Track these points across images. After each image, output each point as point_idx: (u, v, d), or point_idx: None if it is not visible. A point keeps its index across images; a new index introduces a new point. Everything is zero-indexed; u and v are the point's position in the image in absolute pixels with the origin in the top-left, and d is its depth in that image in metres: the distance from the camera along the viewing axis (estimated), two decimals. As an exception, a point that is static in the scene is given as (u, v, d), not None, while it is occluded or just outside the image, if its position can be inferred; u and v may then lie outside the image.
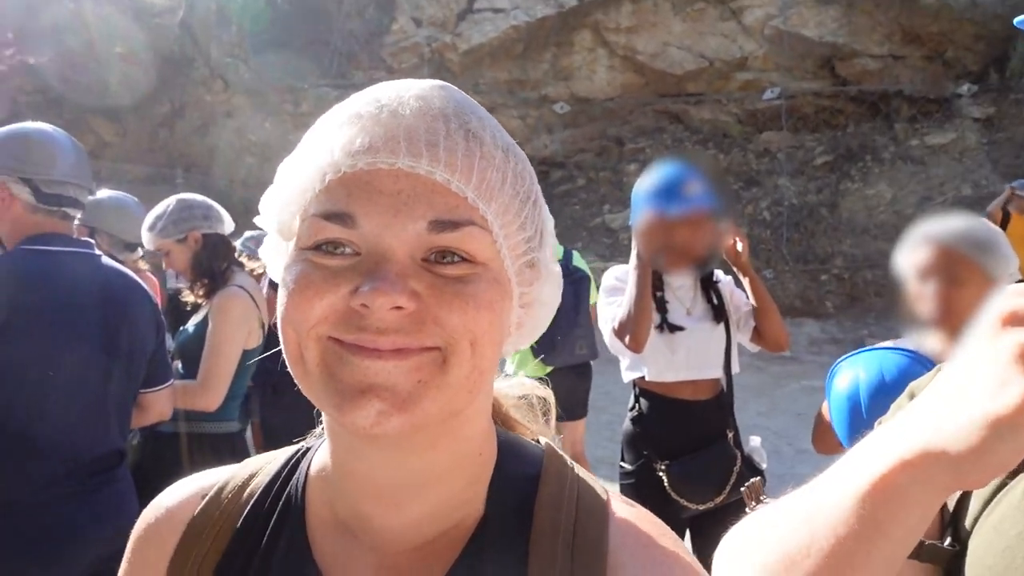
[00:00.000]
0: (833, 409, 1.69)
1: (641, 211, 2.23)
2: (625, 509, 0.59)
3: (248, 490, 0.62)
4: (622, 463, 2.40)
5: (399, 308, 0.48)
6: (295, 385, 0.54)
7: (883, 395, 1.60)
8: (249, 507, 0.61)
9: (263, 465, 0.65)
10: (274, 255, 0.59)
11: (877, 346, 1.70)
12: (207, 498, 0.63)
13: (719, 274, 2.46)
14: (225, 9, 11.63)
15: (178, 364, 2.40)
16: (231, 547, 0.59)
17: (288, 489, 0.62)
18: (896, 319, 1.90)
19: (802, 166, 10.41)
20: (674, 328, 2.29)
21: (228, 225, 2.49)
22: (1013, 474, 0.62)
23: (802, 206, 9.98)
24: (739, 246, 2.30)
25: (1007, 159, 9.54)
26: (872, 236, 9.44)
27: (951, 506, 0.69)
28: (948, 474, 0.45)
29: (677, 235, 2.18)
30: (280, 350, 0.53)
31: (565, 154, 11.01)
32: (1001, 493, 0.63)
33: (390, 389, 0.49)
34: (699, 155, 10.15)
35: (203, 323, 2.36)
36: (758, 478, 1.16)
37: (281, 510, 0.61)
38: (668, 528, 0.59)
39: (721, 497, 2.23)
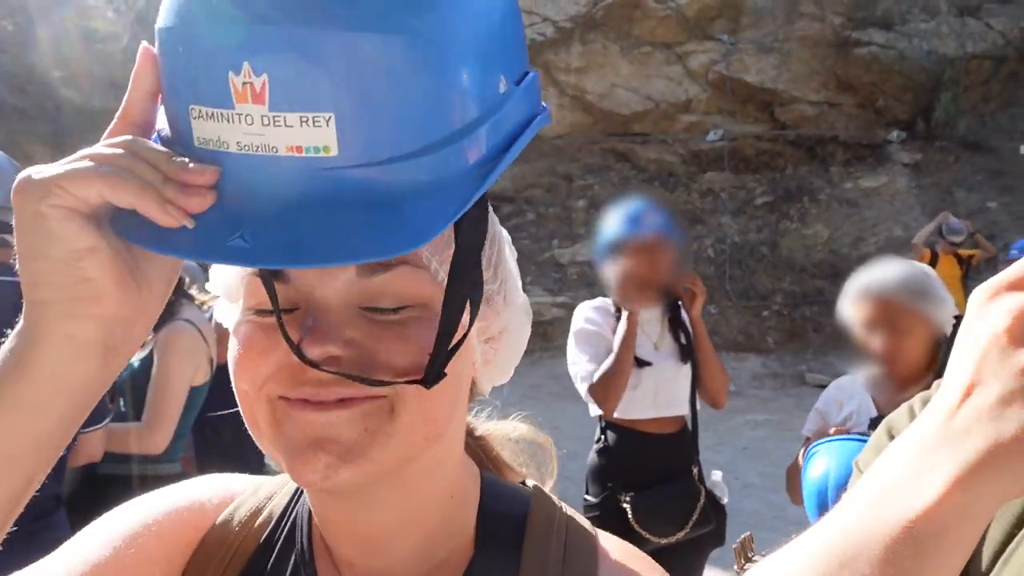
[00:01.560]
0: (805, 492, 1.71)
1: (605, 246, 2.31)
2: (615, 547, 0.60)
3: (266, 512, 0.61)
4: (586, 496, 2.41)
5: (336, 358, 0.47)
6: (234, 425, 0.53)
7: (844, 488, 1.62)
8: (266, 532, 0.60)
9: (279, 488, 0.64)
10: (227, 316, 0.58)
11: (848, 436, 1.72)
12: (224, 515, 0.61)
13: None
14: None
15: (120, 402, 2.30)
16: (245, 571, 0.58)
17: (294, 518, 0.61)
18: (838, 360, 1.97)
19: (743, 206, 10.74)
20: (642, 363, 2.31)
21: None
22: (1021, 524, 0.61)
23: (743, 244, 10.27)
24: (696, 289, 2.37)
25: (933, 203, 10.03)
26: (810, 274, 9.76)
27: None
28: (1015, 484, 0.40)
29: (639, 262, 2.24)
30: (218, 389, 0.52)
31: (515, 189, 11.11)
32: (1013, 544, 0.61)
33: (335, 441, 0.48)
34: (650, 193, 10.41)
35: (148, 358, 2.27)
36: (748, 533, 1.16)
37: (285, 539, 0.60)
38: (657, 565, 0.59)
39: (683, 532, 2.25)
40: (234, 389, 0.52)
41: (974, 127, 10.67)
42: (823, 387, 2.27)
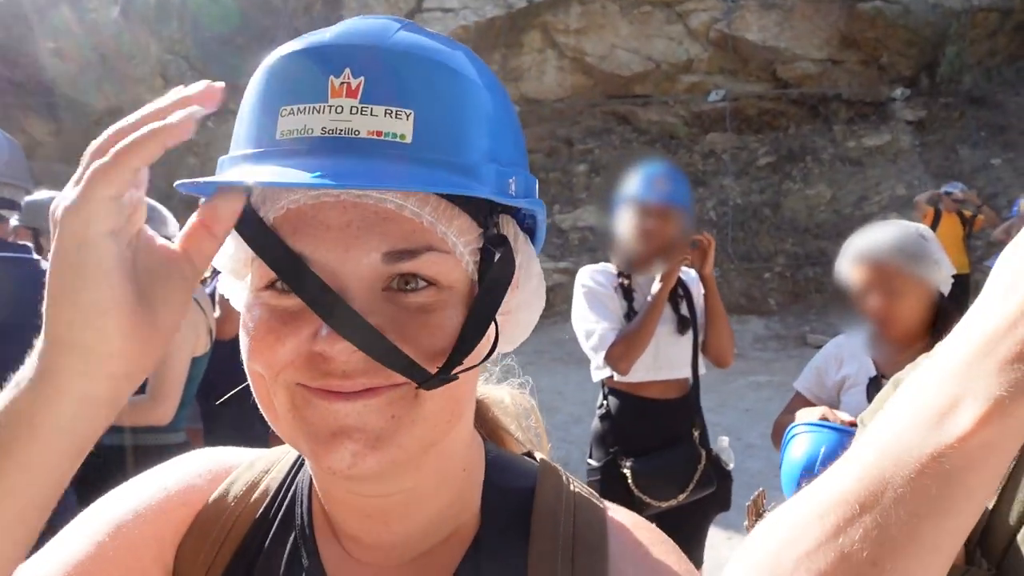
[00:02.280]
0: (785, 472, 1.70)
1: (617, 207, 2.34)
2: (623, 517, 0.59)
3: (262, 487, 0.61)
4: (589, 460, 2.43)
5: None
6: (240, 397, 0.53)
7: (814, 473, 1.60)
8: (263, 506, 0.60)
9: (275, 462, 0.63)
10: (233, 291, 0.57)
11: (828, 424, 1.70)
12: (220, 490, 0.60)
13: (691, 273, 2.49)
14: (166, 4, 11.30)
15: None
16: (242, 547, 0.58)
17: (293, 492, 0.61)
18: (839, 321, 1.98)
19: (746, 167, 10.66)
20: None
21: (172, 227, 2.41)
22: None
23: (746, 206, 10.21)
24: (706, 246, 2.37)
25: (937, 160, 9.95)
26: (813, 235, 9.72)
27: (975, 535, 0.65)
28: None
29: (649, 226, 2.27)
30: (218, 362, 0.52)
31: (515, 154, 11.04)
32: None
33: (362, 429, 0.47)
34: (651, 155, 10.32)
35: (147, 330, 2.28)
36: (761, 490, 1.16)
37: (284, 515, 0.59)
38: (665, 535, 0.59)
39: (684, 495, 2.26)
40: (246, 370, 0.51)
41: (980, 82, 10.52)
42: (825, 348, 2.27)
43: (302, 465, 0.62)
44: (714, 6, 10.95)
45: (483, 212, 0.52)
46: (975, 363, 0.39)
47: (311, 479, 0.60)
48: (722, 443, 2.42)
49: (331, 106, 0.46)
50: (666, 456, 2.28)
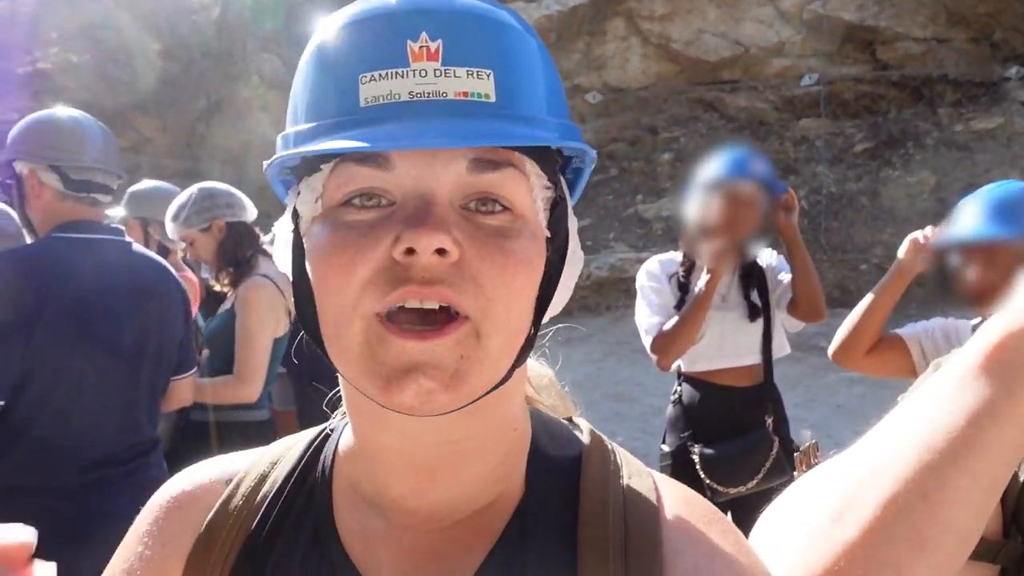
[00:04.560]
0: None
1: (693, 190, 2.29)
2: (676, 491, 0.57)
3: (271, 479, 0.60)
4: (663, 445, 2.44)
5: (443, 252, 0.46)
6: (330, 377, 0.53)
7: None
8: (271, 495, 0.59)
9: (284, 452, 0.63)
10: (286, 236, 0.56)
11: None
12: (228, 491, 0.60)
13: (769, 255, 2.40)
14: (261, 3, 11.76)
15: (206, 353, 2.42)
16: (255, 533, 0.57)
17: (314, 473, 0.60)
18: (941, 301, 1.89)
19: (841, 153, 10.17)
20: None
21: (251, 213, 2.50)
22: None
23: (841, 195, 9.75)
24: (790, 203, 2.30)
25: (1057, 144, 9.20)
26: (915, 225, 9.17)
27: (1011, 505, 0.66)
28: None
29: (727, 207, 2.20)
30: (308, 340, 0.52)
31: (598, 144, 10.90)
32: None
33: (437, 367, 0.47)
34: (740, 143, 10.02)
35: (229, 313, 2.37)
36: (814, 441, 1.13)
37: (305, 494, 0.59)
38: (717, 509, 0.56)
39: (754, 482, 2.22)
40: (319, 308, 0.50)
41: (1108, 57, 9.66)
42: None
43: (322, 444, 0.62)
44: (808, -15, 10.48)
45: (552, 167, 0.54)
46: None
47: (334, 453, 0.60)
48: (804, 436, 2.35)
49: (414, 70, 0.48)
50: (737, 443, 2.24)
